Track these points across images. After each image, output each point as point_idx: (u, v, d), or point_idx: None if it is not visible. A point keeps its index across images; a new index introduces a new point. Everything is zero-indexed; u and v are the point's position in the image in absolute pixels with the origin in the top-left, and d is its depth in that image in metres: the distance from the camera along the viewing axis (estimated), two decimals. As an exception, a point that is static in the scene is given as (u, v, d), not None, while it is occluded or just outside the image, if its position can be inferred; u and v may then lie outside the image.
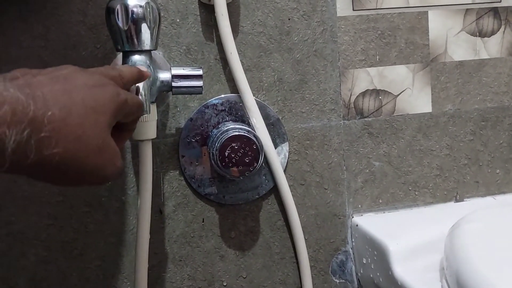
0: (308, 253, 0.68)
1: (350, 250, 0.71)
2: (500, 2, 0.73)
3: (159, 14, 0.55)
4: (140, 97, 0.49)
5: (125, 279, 0.65)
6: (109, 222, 0.64)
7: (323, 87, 0.68)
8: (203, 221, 0.66)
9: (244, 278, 0.68)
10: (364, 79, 0.69)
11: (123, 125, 0.42)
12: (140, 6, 0.52)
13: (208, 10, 0.63)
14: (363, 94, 0.70)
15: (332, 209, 0.70)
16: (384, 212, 0.72)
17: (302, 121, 0.68)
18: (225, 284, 0.68)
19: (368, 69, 0.69)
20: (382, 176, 0.71)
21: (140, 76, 0.47)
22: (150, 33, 0.53)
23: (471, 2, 0.72)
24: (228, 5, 0.61)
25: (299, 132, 0.68)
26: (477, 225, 0.57)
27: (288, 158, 0.68)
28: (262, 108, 0.65)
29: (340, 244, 0.71)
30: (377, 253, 0.64)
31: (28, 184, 0.61)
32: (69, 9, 0.60)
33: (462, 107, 0.74)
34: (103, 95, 0.37)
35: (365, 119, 0.70)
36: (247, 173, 0.60)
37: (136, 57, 0.53)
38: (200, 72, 0.57)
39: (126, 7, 0.52)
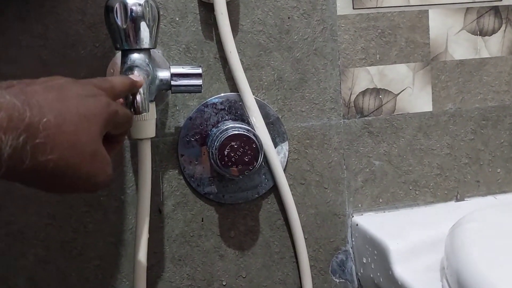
0: (308, 253, 0.68)
1: (350, 249, 0.71)
2: (501, 1, 0.73)
3: (158, 12, 0.54)
4: (138, 96, 0.49)
5: (124, 278, 0.64)
6: (108, 222, 0.63)
7: (323, 86, 0.68)
8: (202, 221, 0.66)
9: (244, 277, 0.68)
10: (364, 78, 0.69)
11: (112, 137, 0.43)
12: (139, 5, 0.52)
13: (208, 9, 0.63)
14: (363, 93, 0.69)
15: (332, 208, 0.70)
16: (384, 212, 0.72)
17: (302, 120, 0.68)
18: (224, 283, 0.68)
19: (368, 68, 0.69)
20: (383, 176, 0.71)
21: (133, 87, 0.48)
22: (149, 31, 0.53)
23: (471, 1, 0.72)
24: (227, 3, 0.61)
25: (299, 131, 0.68)
26: (477, 225, 0.57)
27: (288, 157, 0.68)
28: (261, 107, 0.65)
29: (340, 244, 0.71)
30: (377, 253, 0.63)
31: (27, 183, 0.61)
32: (68, 8, 0.60)
33: (462, 106, 0.73)
34: (95, 104, 0.37)
35: (365, 118, 0.70)
36: (247, 172, 0.60)
37: (135, 56, 0.53)
38: (199, 70, 0.57)
39: (125, 6, 0.52)
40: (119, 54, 0.60)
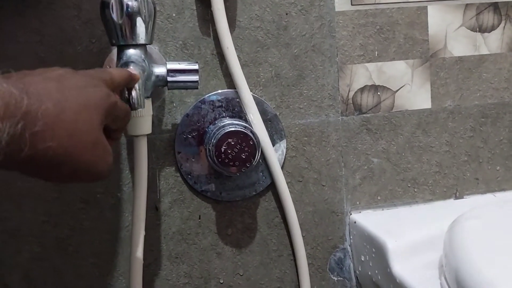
0: (305, 251, 0.68)
1: (348, 247, 0.71)
2: (501, -3, 0.73)
3: (155, 8, 0.54)
4: (134, 92, 0.49)
5: (120, 276, 0.64)
6: (104, 219, 0.63)
7: (321, 82, 0.68)
8: (199, 218, 0.66)
9: (241, 275, 0.68)
10: (362, 74, 0.69)
11: (109, 131, 0.42)
12: (135, 0, 0.51)
13: (205, 5, 0.63)
14: (362, 90, 0.69)
15: (330, 206, 0.69)
16: (382, 209, 0.71)
17: (300, 117, 0.67)
18: (221, 281, 0.67)
19: (366, 64, 0.69)
20: (381, 173, 0.71)
21: (131, 79, 0.48)
22: (145, 27, 0.53)
23: (471, -3, 0.72)
24: (224, -1, 0.61)
25: (296, 128, 0.67)
26: (476, 222, 0.56)
27: (285, 154, 0.67)
28: (259, 104, 0.65)
29: (338, 242, 0.70)
30: (376, 251, 0.63)
31: (23, 180, 0.60)
32: (64, 4, 0.60)
33: (462, 103, 0.73)
34: (95, 95, 0.37)
35: (364, 115, 0.69)
36: (244, 170, 0.60)
37: (131, 51, 0.53)
38: (196, 66, 0.56)
39: (121, 1, 0.51)
40: (115, 50, 0.60)
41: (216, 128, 0.60)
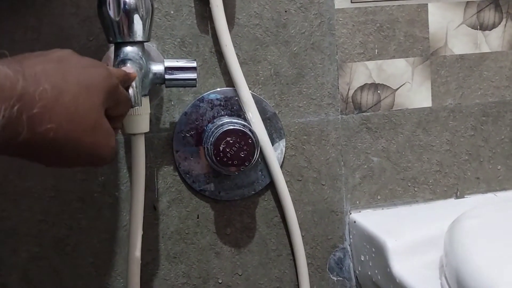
0: (305, 250, 0.67)
1: (348, 247, 0.70)
2: (502, -6, 0.72)
3: (152, 5, 0.53)
4: (131, 90, 0.48)
5: (118, 276, 0.64)
6: (102, 218, 0.62)
7: (321, 81, 0.67)
8: (198, 218, 0.65)
9: (240, 275, 0.67)
10: (362, 72, 0.68)
11: (109, 120, 0.41)
12: (132, -3, 0.51)
13: (203, 2, 0.62)
14: (362, 88, 0.68)
15: (329, 205, 0.69)
16: (382, 209, 0.71)
17: (299, 116, 0.67)
18: (220, 281, 0.67)
19: (366, 62, 0.68)
20: (381, 172, 0.70)
21: (127, 78, 0.47)
22: (143, 24, 0.52)
23: (472, -5, 0.71)
24: (223, -4, 0.60)
25: (296, 127, 0.67)
26: (477, 222, 0.56)
27: (284, 153, 0.67)
28: (258, 102, 0.64)
29: (337, 241, 0.70)
30: (375, 250, 0.62)
31: (20, 179, 0.60)
32: (61, 1, 0.59)
33: (462, 102, 0.72)
34: (96, 75, 0.36)
35: (364, 113, 0.69)
36: (243, 168, 0.59)
37: (128, 49, 0.52)
38: (194, 64, 0.56)
39: (118, -2, 0.51)
40: (113, 48, 0.59)
41: (215, 127, 0.60)
